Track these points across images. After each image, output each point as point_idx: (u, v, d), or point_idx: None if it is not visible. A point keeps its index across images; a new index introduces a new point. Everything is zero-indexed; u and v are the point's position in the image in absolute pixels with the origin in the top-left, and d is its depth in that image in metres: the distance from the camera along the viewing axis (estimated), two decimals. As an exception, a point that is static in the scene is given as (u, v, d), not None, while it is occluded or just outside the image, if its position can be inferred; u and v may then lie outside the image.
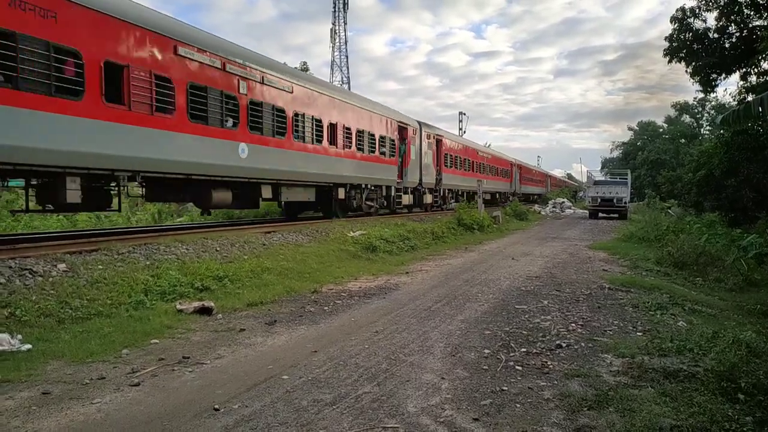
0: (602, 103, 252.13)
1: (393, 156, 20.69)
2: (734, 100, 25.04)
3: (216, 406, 4.01)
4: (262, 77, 12.91)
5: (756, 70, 22.99)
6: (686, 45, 25.08)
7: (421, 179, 23.37)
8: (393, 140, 20.75)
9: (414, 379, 4.65)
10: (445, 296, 8.38)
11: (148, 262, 8.61)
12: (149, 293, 7.37)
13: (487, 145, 43.39)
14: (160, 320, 6.50)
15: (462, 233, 19.65)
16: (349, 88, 53.56)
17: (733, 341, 5.18)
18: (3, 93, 7.55)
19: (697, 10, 24.46)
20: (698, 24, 24.84)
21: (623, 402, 4.14)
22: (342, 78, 57.15)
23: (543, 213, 39.48)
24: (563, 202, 46.25)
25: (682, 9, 24.84)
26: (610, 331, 6.40)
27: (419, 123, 23.96)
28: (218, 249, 10.31)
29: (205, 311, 7.01)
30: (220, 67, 11.50)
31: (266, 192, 13.70)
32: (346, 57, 58.28)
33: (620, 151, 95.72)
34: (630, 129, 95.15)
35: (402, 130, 21.73)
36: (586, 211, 37.04)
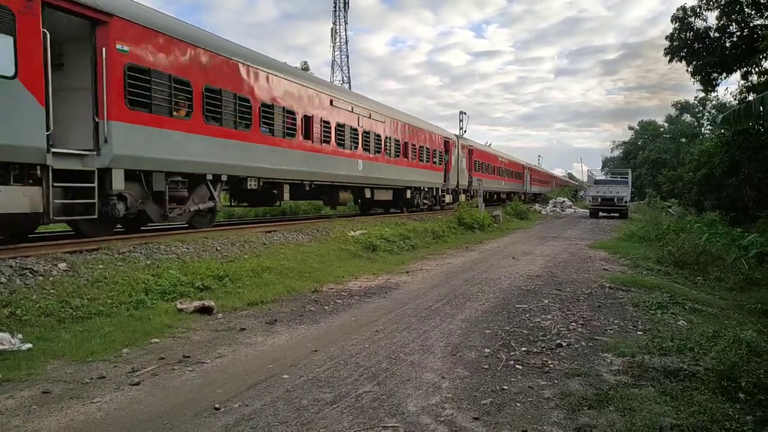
0: (603, 102, 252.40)
1: (440, 164, 26.54)
2: (735, 99, 25.05)
3: (216, 405, 4.02)
4: (369, 113, 19.22)
5: (757, 69, 22.96)
6: (687, 44, 25.05)
7: (458, 182, 29.07)
8: (440, 152, 26.56)
9: (414, 379, 4.65)
10: (445, 295, 8.38)
11: (148, 262, 8.61)
12: (150, 292, 7.37)
13: (488, 144, 43.74)
14: (160, 319, 6.51)
15: (462, 232, 19.65)
16: (350, 88, 53.59)
17: (733, 340, 5.18)
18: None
19: (698, 9, 24.42)
20: (699, 23, 24.81)
21: (623, 401, 4.14)
22: (342, 77, 57.25)
23: (544, 212, 39.47)
24: (564, 201, 46.28)
25: (683, 8, 24.81)
26: (610, 330, 6.40)
27: (456, 136, 29.91)
28: (219, 248, 10.31)
29: (205, 310, 7.01)
30: (350, 110, 17.64)
31: (368, 193, 19.73)
32: (347, 56, 58.41)
33: (621, 151, 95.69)
34: (631, 128, 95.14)
35: (446, 143, 27.47)
36: (587, 211, 37.06)
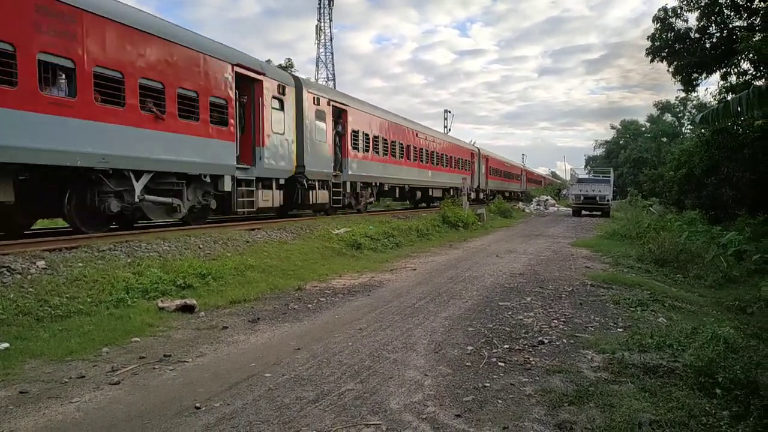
0: (585, 101, 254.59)
1: (468, 170, 35.01)
2: (715, 99, 25.38)
3: (197, 405, 3.98)
4: (425, 136, 27.82)
5: (735, 70, 23.31)
6: (668, 44, 25.38)
7: (479, 184, 38.21)
8: (469, 161, 35.97)
9: (397, 376, 4.65)
10: (429, 293, 8.40)
11: (129, 260, 8.51)
12: (130, 291, 7.28)
13: (473, 143, 44.18)
14: (141, 318, 6.44)
15: (447, 231, 19.71)
16: (335, 86, 53.48)
17: (711, 337, 5.27)
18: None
19: (679, 10, 24.76)
20: (680, 24, 25.16)
21: (603, 397, 4.18)
22: (327, 75, 57.07)
23: (527, 210, 39.72)
24: (547, 199, 46.63)
25: (665, 9, 25.13)
26: (591, 327, 6.46)
27: (477, 148, 39.42)
28: (201, 246, 10.22)
29: (187, 309, 6.95)
30: (424, 137, 27.10)
31: (436, 193, 29.19)
32: (332, 54, 58.28)
33: (603, 150, 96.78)
34: (613, 128, 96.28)
35: (473, 155, 37.31)
36: (570, 209, 37.36)
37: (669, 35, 25.28)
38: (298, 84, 16.06)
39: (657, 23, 25.35)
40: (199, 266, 8.66)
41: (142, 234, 10.26)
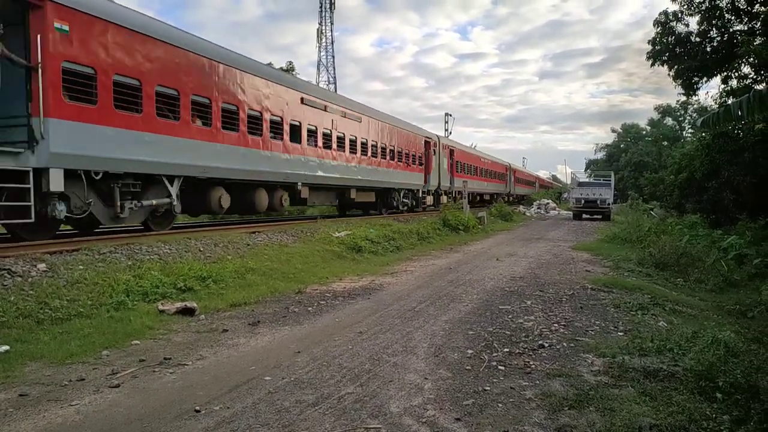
0: (586, 105, 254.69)
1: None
2: (715, 103, 25.37)
3: (197, 408, 3.98)
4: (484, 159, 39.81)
5: (736, 74, 23.29)
6: (669, 48, 25.35)
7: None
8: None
9: (397, 380, 4.65)
10: (429, 297, 8.40)
11: (129, 263, 8.52)
12: (131, 294, 7.29)
13: (473, 146, 44.27)
14: (141, 321, 6.44)
15: (447, 234, 19.72)
16: (336, 89, 53.53)
17: (712, 341, 5.26)
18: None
19: (680, 14, 24.73)
20: (681, 28, 25.11)
21: (604, 401, 4.18)
22: (329, 78, 57.12)
23: (528, 214, 39.72)
24: (548, 203, 46.63)
25: (665, 13, 25.11)
26: (591, 331, 6.46)
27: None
28: (201, 249, 10.23)
29: (187, 312, 6.96)
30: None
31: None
32: (333, 57, 58.29)
33: (604, 153, 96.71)
34: (613, 131, 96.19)
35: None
36: (570, 213, 37.36)
37: (670, 39, 25.25)
38: (437, 139, 29.73)
39: (658, 27, 25.33)
40: (199, 269, 8.66)
41: (143, 237, 10.28)
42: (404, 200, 24.83)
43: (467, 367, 5.02)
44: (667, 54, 25.48)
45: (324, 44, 57.70)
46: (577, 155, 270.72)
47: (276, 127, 14.43)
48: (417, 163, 26.15)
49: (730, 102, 13.95)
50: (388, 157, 22.40)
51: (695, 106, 70.62)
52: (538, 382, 4.66)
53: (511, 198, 50.58)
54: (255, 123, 13.45)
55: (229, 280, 8.71)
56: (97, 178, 9.44)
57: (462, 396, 4.32)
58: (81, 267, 7.82)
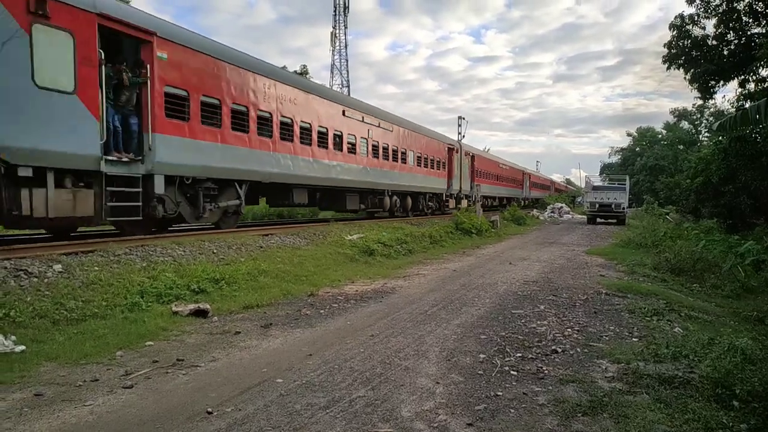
0: (600, 108, 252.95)
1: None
2: (732, 107, 25.07)
3: (209, 410, 4.00)
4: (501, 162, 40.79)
5: (754, 77, 23.00)
6: (685, 52, 25.11)
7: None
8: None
9: (408, 384, 4.64)
10: (441, 300, 8.37)
11: (144, 264, 8.59)
12: (145, 295, 7.35)
13: (487, 149, 44.30)
14: (155, 322, 6.49)
15: (460, 237, 19.66)
16: (349, 92, 53.69)
17: (728, 348, 5.19)
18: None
19: (696, 18, 24.49)
20: (697, 31, 24.86)
21: (618, 408, 4.13)
22: (342, 81, 57.32)
23: (541, 218, 39.49)
24: (562, 207, 46.31)
25: (681, 16, 24.88)
26: (606, 336, 6.39)
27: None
28: (215, 251, 10.29)
29: (200, 313, 7.00)
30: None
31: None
32: (346, 60, 58.49)
33: (619, 157, 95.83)
34: (629, 134, 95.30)
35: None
36: (585, 217, 37.09)
37: (686, 42, 25.01)
38: (459, 146, 31.15)
39: (674, 30, 25.09)
40: (212, 271, 8.71)
41: (158, 239, 10.36)
42: (429, 203, 26.81)
43: (479, 372, 4.99)
44: (683, 57, 25.24)
45: (338, 47, 57.95)
46: (591, 159, 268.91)
47: (322, 137, 16.45)
48: (441, 168, 27.99)
49: (747, 106, 13.78)
50: (415, 163, 24.32)
51: (712, 109, 69.99)
52: (551, 387, 4.62)
53: (526, 202, 51.96)
54: (305, 134, 15.45)
55: (241, 282, 8.75)
56: (188, 183, 11.38)
57: (474, 401, 4.29)
58: (96, 268, 7.90)
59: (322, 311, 7.56)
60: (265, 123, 13.60)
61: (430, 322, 6.91)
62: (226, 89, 12.23)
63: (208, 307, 7.18)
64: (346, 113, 17.97)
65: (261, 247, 11.47)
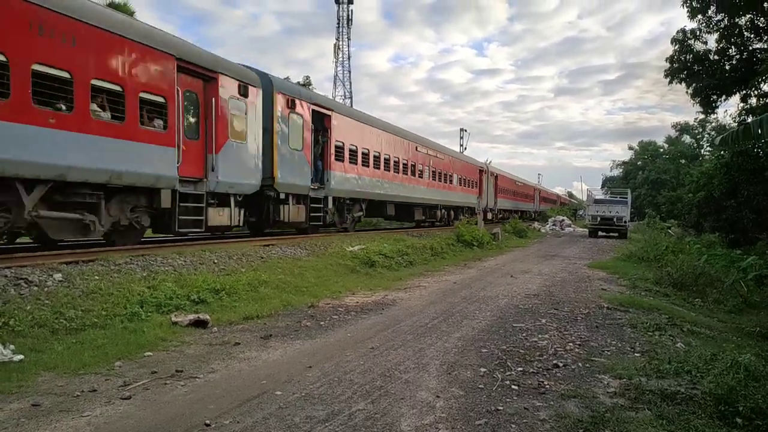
0: (602, 122, 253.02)
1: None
2: (734, 121, 25.12)
3: (207, 422, 3.96)
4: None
5: (756, 92, 23.08)
6: (687, 66, 25.23)
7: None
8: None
9: (408, 397, 4.60)
10: (442, 313, 8.33)
11: (144, 274, 8.58)
12: (145, 305, 7.32)
13: (489, 162, 44.57)
14: (154, 332, 6.46)
15: (461, 250, 19.62)
16: (351, 104, 53.92)
17: (731, 364, 5.15)
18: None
19: (698, 32, 24.64)
20: (699, 46, 25.01)
21: (620, 424, 4.09)
22: (344, 93, 57.57)
23: (543, 231, 39.44)
24: (563, 220, 46.29)
25: (683, 31, 25.03)
26: (607, 351, 6.35)
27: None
28: (216, 261, 10.28)
29: (200, 324, 6.97)
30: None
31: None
32: (349, 72, 58.80)
33: (621, 170, 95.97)
34: (630, 148, 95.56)
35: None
36: (586, 230, 37.04)
37: (688, 57, 25.14)
38: (486, 167, 37.26)
39: (676, 45, 25.24)
40: (213, 281, 8.69)
41: (159, 248, 10.35)
42: (465, 215, 31.93)
43: (480, 386, 4.95)
44: (685, 72, 25.36)
45: (341, 59, 58.26)
46: (593, 172, 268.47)
47: (404, 168, 23.28)
48: (474, 186, 34.53)
49: (749, 120, 13.79)
50: (458, 183, 31.44)
51: (713, 124, 70.21)
52: (552, 402, 4.58)
53: (535, 215, 56.12)
54: (396, 166, 22.23)
55: (242, 292, 8.72)
56: (339, 201, 17.87)
57: (474, 415, 4.25)
58: (97, 277, 7.89)
59: (322, 323, 7.53)
60: (376, 159, 20.28)
61: (431, 335, 6.87)
62: (359, 138, 18.90)
63: (208, 317, 7.15)
64: (418, 149, 24.86)
65: (262, 258, 11.46)
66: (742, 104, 24.72)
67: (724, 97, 25.82)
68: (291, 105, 14.57)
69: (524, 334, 7.04)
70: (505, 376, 5.25)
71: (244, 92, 12.62)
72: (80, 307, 6.80)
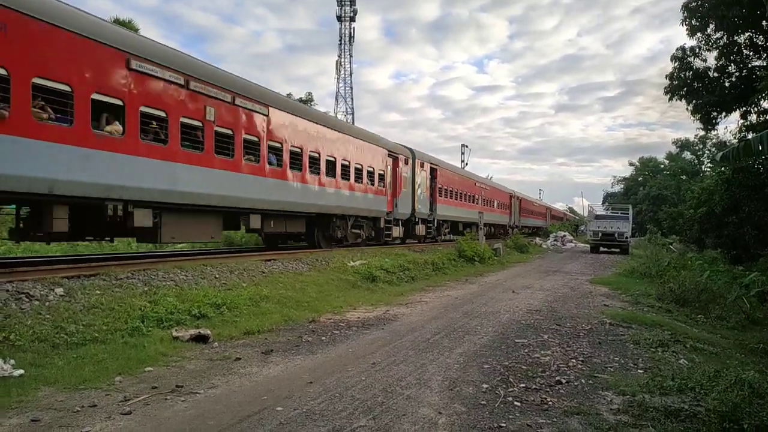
0: (603, 138, 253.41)
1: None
2: (735, 138, 25.21)
3: (208, 437, 3.93)
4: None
5: (756, 109, 23.19)
6: (687, 83, 25.36)
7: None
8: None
9: (410, 413, 4.57)
10: (444, 328, 8.30)
11: (146, 288, 8.56)
12: (146, 320, 7.30)
13: (490, 177, 44.69)
14: (155, 347, 6.43)
15: (462, 265, 19.59)
16: (353, 120, 54.24)
17: (735, 381, 5.12)
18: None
19: (698, 50, 24.81)
20: (698, 63, 25.16)
21: (623, 441, 4.05)
22: (346, 109, 57.94)
23: (544, 246, 39.38)
24: (564, 235, 46.21)
25: (683, 48, 25.20)
26: (610, 367, 6.32)
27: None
28: (217, 276, 10.27)
29: (201, 339, 6.94)
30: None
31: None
32: (351, 88, 59.28)
33: (622, 186, 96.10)
34: (631, 164, 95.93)
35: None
36: (587, 245, 36.98)
37: (687, 74, 25.28)
38: (515, 192, 48.21)
39: (675, 62, 25.40)
40: (214, 296, 8.67)
41: (160, 263, 10.35)
42: (499, 232, 39.89)
43: (482, 402, 4.92)
44: (685, 89, 25.48)
45: (342, 76, 58.76)
46: (594, 188, 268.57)
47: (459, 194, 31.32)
48: (506, 208, 42.95)
49: (750, 137, 13.83)
50: (497, 207, 40.26)
51: (714, 140, 70.24)
52: (555, 419, 4.55)
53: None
54: (472, 198, 32.84)
55: (243, 307, 8.70)
56: (439, 222, 27.35)
57: (477, 432, 4.22)
58: (98, 292, 7.88)
59: (323, 338, 7.50)
60: (461, 195, 30.50)
61: (433, 351, 6.84)
62: (453, 183, 29.54)
63: (209, 332, 7.13)
64: (476, 184, 35.28)
65: (263, 273, 11.45)
66: (742, 121, 24.83)
67: (724, 113, 25.92)
68: (422, 165, 24.75)
69: (526, 350, 7.00)
70: (508, 393, 5.22)
71: (405, 162, 22.75)
72: (81, 322, 6.78)
